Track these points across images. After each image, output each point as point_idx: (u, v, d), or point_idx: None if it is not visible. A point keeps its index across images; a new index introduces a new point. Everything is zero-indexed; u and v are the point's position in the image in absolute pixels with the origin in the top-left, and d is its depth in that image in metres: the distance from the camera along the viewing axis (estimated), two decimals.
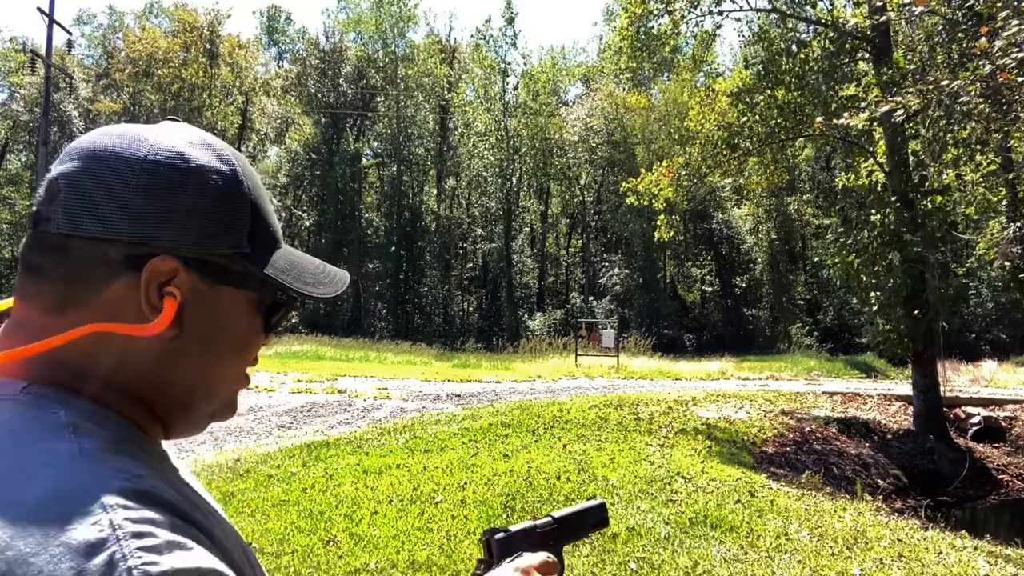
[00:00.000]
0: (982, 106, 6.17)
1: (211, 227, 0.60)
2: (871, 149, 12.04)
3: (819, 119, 8.76)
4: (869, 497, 7.46)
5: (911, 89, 6.57)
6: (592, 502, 0.95)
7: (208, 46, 37.56)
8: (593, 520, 0.94)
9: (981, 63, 5.44)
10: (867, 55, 11.38)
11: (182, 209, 0.58)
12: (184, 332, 0.59)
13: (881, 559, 4.35)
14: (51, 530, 0.45)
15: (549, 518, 0.90)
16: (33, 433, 0.52)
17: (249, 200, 0.63)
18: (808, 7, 12.03)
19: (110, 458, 0.52)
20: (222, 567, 0.50)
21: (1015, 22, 5.02)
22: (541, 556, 0.80)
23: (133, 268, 0.57)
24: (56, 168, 0.59)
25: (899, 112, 6.30)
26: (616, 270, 34.91)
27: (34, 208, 0.59)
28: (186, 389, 0.62)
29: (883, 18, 9.58)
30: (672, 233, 13.18)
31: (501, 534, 0.83)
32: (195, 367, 0.62)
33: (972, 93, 5.66)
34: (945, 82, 5.92)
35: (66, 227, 0.56)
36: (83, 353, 0.57)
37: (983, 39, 5.41)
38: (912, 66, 8.46)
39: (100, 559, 0.44)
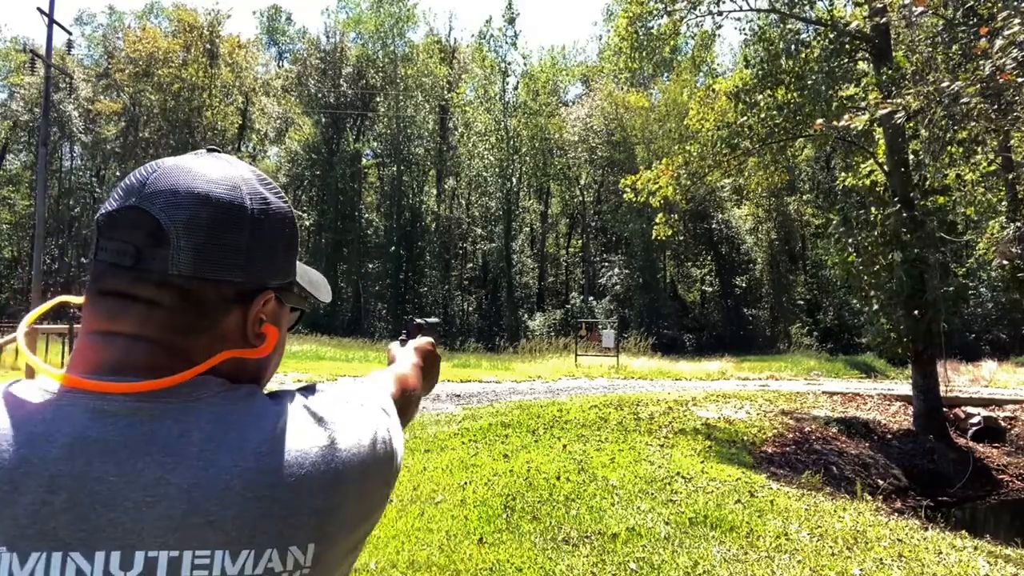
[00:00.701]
0: (982, 106, 6.16)
1: (288, 262, 0.74)
2: (871, 149, 12.03)
3: (819, 121, 8.75)
4: (869, 497, 7.46)
5: (911, 90, 6.57)
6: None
7: (208, 46, 37.56)
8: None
9: (981, 63, 5.44)
10: (867, 55, 11.38)
11: (276, 250, 0.71)
12: (280, 340, 0.75)
13: (881, 559, 4.34)
14: (376, 423, 0.73)
15: (436, 319, 1.39)
16: (264, 402, 0.68)
17: (298, 241, 0.77)
18: (808, 7, 12.03)
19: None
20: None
21: (1016, 22, 5.01)
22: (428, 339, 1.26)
23: (242, 302, 0.69)
24: (160, 211, 0.64)
25: (900, 114, 6.29)
26: (616, 270, 34.91)
27: (128, 242, 0.64)
28: (264, 382, 0.77)
29: (883, 20, 9.60)
30: (671, 232, 13.14)
31: (418, 320, 1.32)
32: (271, 369, 0.77)
33: (972, 94, 5.66)
34: (946, 83, 5.92)
35: (187, 270, 0.65)
36: (219, 367, 0.69)
37: (983, 40, 5.41)
38: (912, 67, 8.46)
39: (382, 419, 0.75)
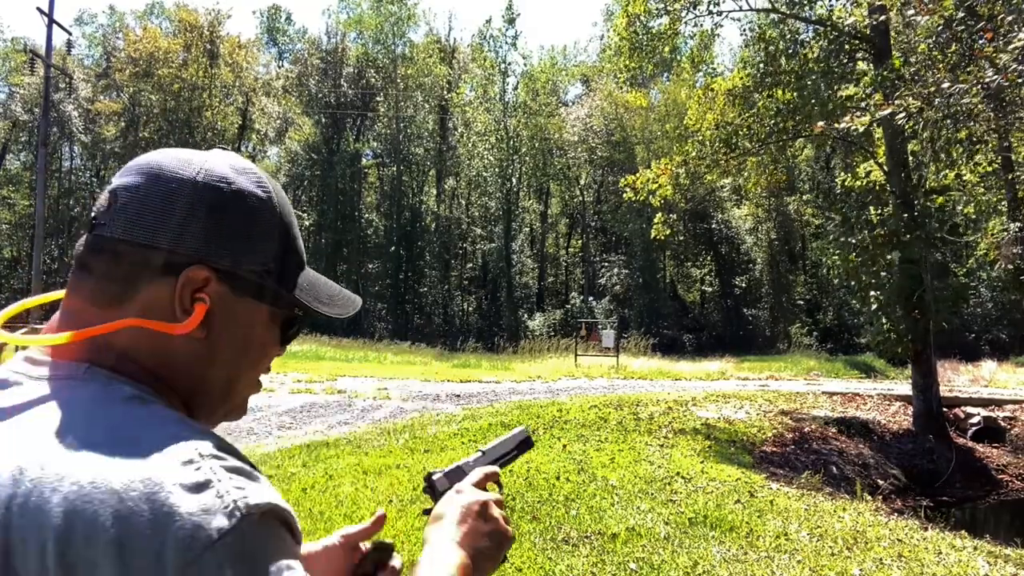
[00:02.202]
0: (981, 107, 6.17)
1: (245, 245, 0.68)
2: (871, 149, 12.03)
3: (820, 123, 8.75)
4: (869, 497, 7.46)
5: (911, 91, 6.58)
6: (515, 430, 1.04)
7: (208, 46, 37.57)
8: (518, 446, 1.03)
9: (983, 65, 5.44)
10: (867, 55, 11.38)
11: (222, 227, 0.67)
12: (211, 336, 0.67)
13: (881, 559, 4.35)
14: (162, 474, 0.53)
15: (479, 452, 1.02)
16: (113, 403, 0.60)
17: (280, 224, 0.72)
18: (808, 7, 12.03)
19: (187, 418, 0.62)
20: (290, 508, 0.60)
21: (1022, 35, 5.01)
22: (475, 478, 0.92)
23: (171, 274, 0.65)
24: (117, 180, 0.68)
25: (901, 115, 6.30)
26: (616, 270, 34.92)
27: (92, 214, 0.68)
28: (210, 388, 0.70)
29: (882, 18, 9.60)
30: (669, 232, 13.14)
31: (439, 473, 0.91)
32: (220, 368, 0.69)
33: (973, 95, 5.66)
34: (946, 84, 5.92)
35: (119, 233, 0.65)
36: (128, 344, 0.65)
37: (987, 45, 5.42)
38: (912, 68, 8.47)
39: (209, 493, 0.53)
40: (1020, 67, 5.00)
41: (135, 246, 0.64)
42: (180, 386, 0.67)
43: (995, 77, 5.16)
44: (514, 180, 37.59)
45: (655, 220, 13.03)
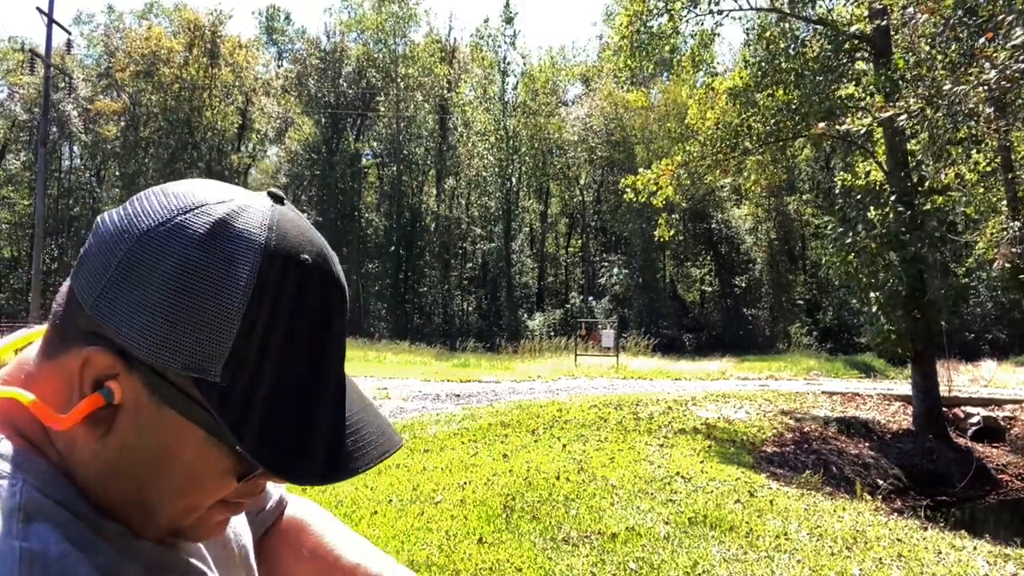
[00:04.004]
0: (982, 107, 6.18)
1: (170, 337, 0.49)
2: (871, 149, 12.04)
3: (821, 124, 8.75)
4: (869, 497, 7.46)
5: (912, 92, 6.58)
6: None
7: (209, 46, 37.59)
8: None
9: (984, 66, 5.45)
10: (867, 55, 11.39)
11: (146, 304, 0.49)
12: (111, 440, 0.51)
13: (881, 559, 4.35)
14: None
15: None
16: None
17: (246, 320, 0.49)
18: (808, 7, 12.03)
19: (67, 561, 0.47)
20: None
21: (1018, 31, 5.02)
22: None
23: (90, 345, 0.50)
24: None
25: (902, 117, 6.30)
26: (615, 270, 34.92)
27: None
28: (124, 502, 0.54)
29: (883, 22, 9.60)
30: (672, 232, 13.16)
31: None
32: (126, 482, 0.53)
33: (975, 97, 5.67)
34: (947, 85, 5.92)
35: (73, 276, 0.53)
36: (41, 421, 0.53)
37: (987, 45, 5.42)
38: (913, 70, 8.47)
39: None
40: (1018, 65, 5.01)
41: (74, 297, 0.52)
42: (79, 476, 0.53)
43: (995, 76, 5.16)
44: (514, 180, 37.59)
45: (659, 221, 13.05)
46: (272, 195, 0.56)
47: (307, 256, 0.53)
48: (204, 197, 0.53)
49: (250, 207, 0.53)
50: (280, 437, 0.51)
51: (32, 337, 0.60)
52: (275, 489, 0.82)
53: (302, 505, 0.84)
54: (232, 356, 0.49)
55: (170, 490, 0.53)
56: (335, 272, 0.55)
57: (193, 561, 0.62)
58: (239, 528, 0.74)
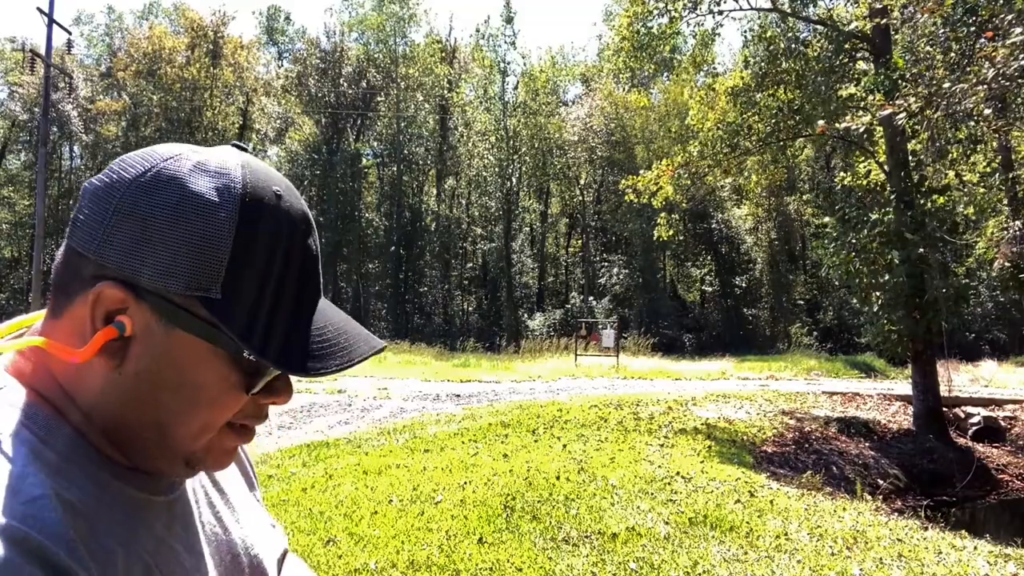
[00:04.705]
0: (982, 107, 6.17)
1: (172, 263, 0.55)
2: (871, 149, 12.03)
3: (821, 123, 8.76)
4: (869, 497, 7.46)
5: (912, 91, 6.58)
6: None
7: (211, 47, 37.62)
8: None
9: (985, 66, 5.45)
10: (867, 55, 11.39)
11: (149, 237, 0.55)
12: (127, 368, 0.56)
13: (881, 559, 4.34)
14: None
15: None
16: None
17: (237, 238, 0.56)
18: (809, 7, 12.04)
19: (24, 481, 0.51)
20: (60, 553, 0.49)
21: (1019, 30, 5.02)
22: None
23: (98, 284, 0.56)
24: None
25: (901, 115, 6.30)
26: (616, 270, 34.91)
27: None
28: (135, 430, 0.58)
29: (883, 21, 9.60)
30: (672, 232, 13.16)
31: None
32: (144, 410, 0.58)
33: (976, 97, 5.67)
34: (947, 84, 5.92)
35: (69, 237, 0.58)
36: (50, 366, 0.58)
37: (988, 44, 5.42)
38: (914, 69, 8.48)
39: None
40: (1017, 63, 5.01)
41: (74, 253, 0.57)
42: (96, 416, 0.58)
43: (993, 74, 5.16)
44: (514, 180, 37.59)
45: (659, 220, 13.05)
46: (235, 146, 0.63)
47: (278, 187, 0.60)
48: (179, 150, 0.59)
49: (221, 152, 0.61)
50: (280, 339, 0.58)
51: (27, 322, 0.65)
52: (281, 538, 0.86)
53: (298, 563, 0.91)
54: (229, 273, 0.56)
55: (185, 408, 0.58)
56: (301, 201, 0.63)
57: (176, 545, 0.62)
58: (253, 540, 0.74)
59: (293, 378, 0.64)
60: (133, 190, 0.56)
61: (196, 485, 0.71)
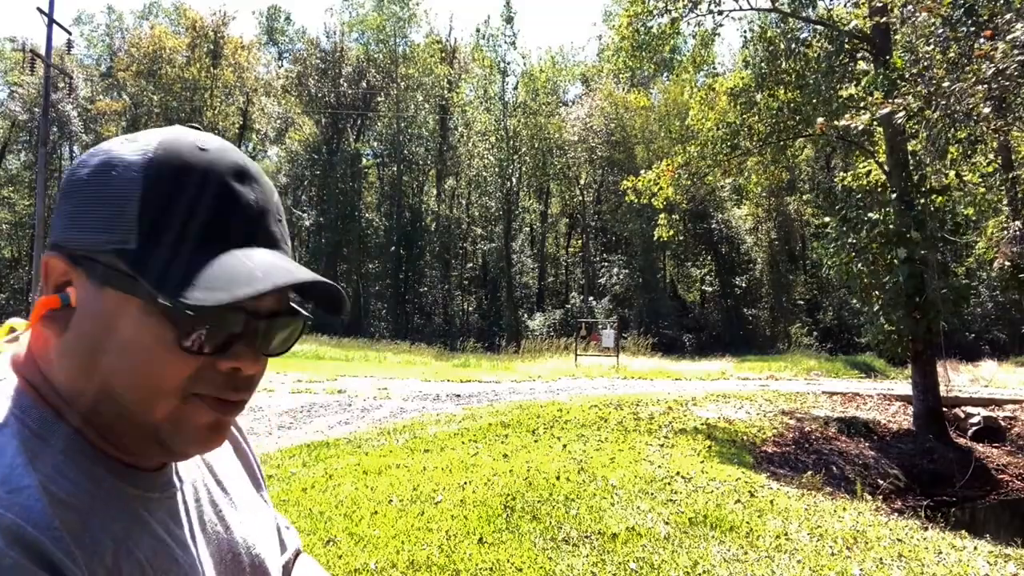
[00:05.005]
0: (982, 107, 6.17)
1: (93, 222, 0.57)
2: (871, 149, 12.03)
3: (820, 121, 8.77)
4: (869, 497, 7.46)
5: (911, 90, 6.58)
6: None
7: (212, 47, 37.63)
8: None
9: (984, 65, 5.45)
10: (867, 55, 11.39)
11: (82, 205, 0.58)
12: (70, 334, 0.58)
13: (881, 559, 4.35)
14: None
15: None
16: None
17: (146, 190, 0.57)
18: (808, 7, 12.03)
19: (12, 471, 0.53)
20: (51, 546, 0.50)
21: (1019, 26, 5.02)
22: None
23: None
24: None
25: (900, 114, 6.30)
26: (616, 270, 34.92)
27: None
28: (93, 399, 0.58)
29: (883, 20, 9.60)
30: (672, 232, 13.16)
31: None
32: (91, 376, 0.58)
33: (975, 96, 5.67)
34: (947, 84, 5.93)
35: None
36: (34, 353, 0.61)
37: (984, 42, 5.42)
38: (914, 69, 8.49)
39: None
40: (1016, 61, 5.01)
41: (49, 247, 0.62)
42: (64, 393, 0.59)
43: (992, 73, 5.17)
44: (514, 180, 37.59)
45: (659, 221, 13.05)
46: (191, 126, 0.65)
47: (205, 143, 0.61)
48: (124, 136, 0.63)
49: (180, 127, 0.64)
50: (180, 277, 0.55)
51: (11, 327, 0.67)
52: (295, 541, 0.89)
53: (311, 562, 0.92)
54: (142, 223, 0.57)
55: (126, 369, 0.57)
56: (236, 153, 0.63)
57: (171, 543, 0.62)
58: (255, 540, 0.74)
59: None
60: (70, 175, 0.61)
61: (199, 483, 0.71)
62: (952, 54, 6.76)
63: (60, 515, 0.52)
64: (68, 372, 0.59)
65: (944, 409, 12.01)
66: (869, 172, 12.13)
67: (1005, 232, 11.55)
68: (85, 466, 0.58)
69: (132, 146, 0.60)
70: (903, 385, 15.18)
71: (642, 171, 13.47)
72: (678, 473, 6.32)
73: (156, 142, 0.60)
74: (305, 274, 0.60)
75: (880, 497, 8.14)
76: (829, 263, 11.35)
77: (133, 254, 0.56)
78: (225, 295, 0.54)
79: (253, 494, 0.80)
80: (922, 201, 10.57)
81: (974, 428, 12.06)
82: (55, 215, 0.61)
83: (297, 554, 0.89)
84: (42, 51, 22.01)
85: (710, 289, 38.03)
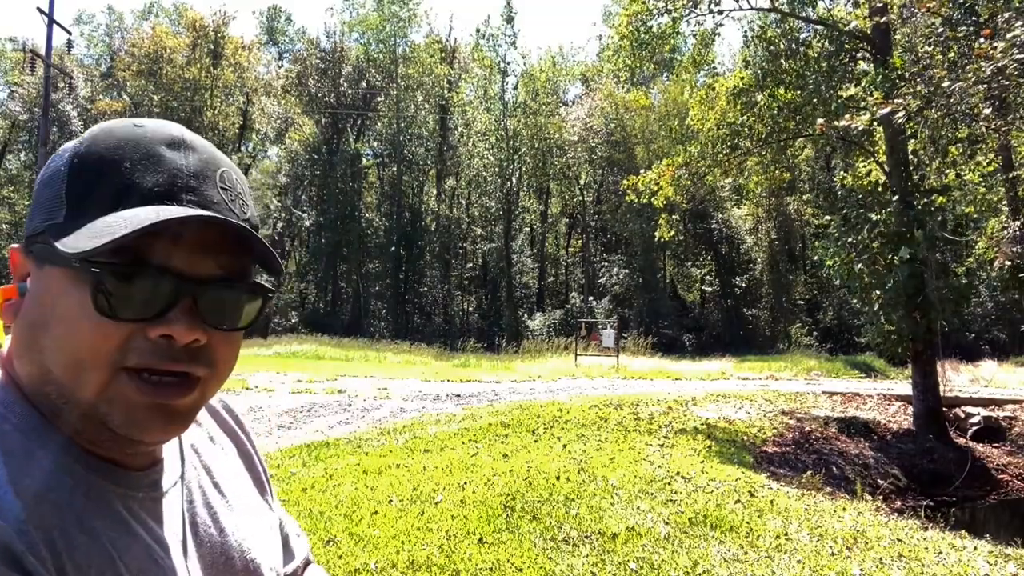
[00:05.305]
0: (981, 106, 6.17)
1: (37, 208, 0.61)
2: (871, 149, 12.03)
3: (821, 121, 8.76)
4: (869, 497, 7.46)
5: (911, 90, 6.58)
6: None
7: (212, 47, 37.61)
8: None
9: (983, 65, 5.45)
10: (867, 55, 11.39)
11: (32, 200, 0.63)
12: (20, 319, 0.60)
13: (881, 559, 4.34)
14: None
15: None
16: None
17: (74, 165, 0.60)
18: (808, 7, 12.03)
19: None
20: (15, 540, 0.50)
21: (1018, 24, 5.03)
22: None
23: None
24: None
25: (900, 114, 6.30)
26: (616, 270, 34.90)
27: None
28: (39, 380, 0.58)
29: (883, 20, 9.59)
30: (673, 233, 13.16)
31: None
32: (32, 356, 0.59)
33: (975, 96, 5.67)
34: (946, 84, 5.93)
35: None
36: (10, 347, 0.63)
37: (984, 41, 5.42)
38: (913, 68, 8.49)
39: None
40: (1015, 59, 5.01)
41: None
42: (26, 381, 0.60)
43: (991, 72, 5.17)
44: (514, 180, 37.58)
45: (660, 220, 13.04)
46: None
47: (143, 123, 0.64)
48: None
49: (149, 120, 0.67)
50: (85, 229, 0.56)
51: None
52: (304, 549, 0.89)
53: (320, 572, 0.93)
54: (68, 197, 0.59)
55: (55, 343, 0.57)
56: (167, 125, 0.65)
57: (151, 543, 0.61)
58: (251, 545, 0.73)
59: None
60: (49, 169, 0.63)
61: (193, 484, 0.70)
62: (952, 54, 6.76)
63: (33, 510, 0.52)
64: (20, 358, 0.60)
65: (944, 409, 12.01)
66: (869, 172, 12.12)
67: (1005, 232, 11.55)
68: (65, 462, 0.57)
69: (79, 139, 0.63)
70: (903, 385, 15.17)
71: (642, 171, 13.46)
72: (678, 473, 6.32)
73: (98, 127, 0.63)
74: (190, 212, 0.57)
75: (880, 497, 8.14)
76: (829, 263, 11.35)
77: (59, 227, 0.58)
78: (102, 240, 0.54)
79: (256, 497, 0.80)
80: (923, 201, 10.57)
81: (974, 428, 12.06)
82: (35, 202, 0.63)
83: (306, 563, 0.88)
84: (42, 51, 22.01)
85: (710, 289, 38.02)
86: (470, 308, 39.42)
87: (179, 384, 0.59)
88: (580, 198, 39.20)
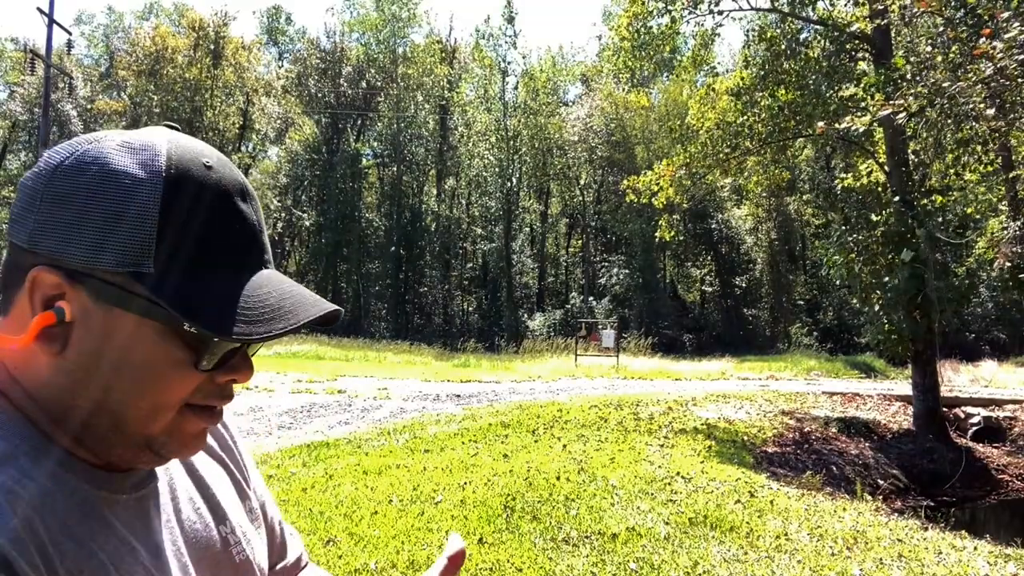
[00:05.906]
0: (982, 107, 6.17)
1: (101, 241, 0.55)
2: (871, 149, 12.03)
3: (821, 124, 8.76)
4: (869, 497, 7.46)
5: (911, 91, 6.58)
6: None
7: (213, 47, 37.62)
8: None
9: (983, 64, 5.44)
10: (867, 55, 11.38)
11: (73, 220, 0.55)
12: (69, 353, 0.57)
13: (881, 559, 4.34)
14: None
15: None
16: None
17: (164, 211, 0.56)
18: (808, 7, 12.02)
19: None
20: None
21: (1016, 24, 5.03)
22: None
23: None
24: None
25: (901, 115, 6.30)
26: (616, 270, 34.90)
27: None
28: (88, 417, 0.58)
29: (884, 21, 9.59)
30: (673, 233, 13.16)
31: None
32: (88, 393, 0.57)
33: (975, 96, 5.67)
34: (947, 84, 5.92)
35: (7, 234, 0.60)
36: (4, 360, 0.59)
37: (984, 41, 5.42)
38: (913, 68, 8.49)
39: None
40: (1015, 59, 5.01)
41: (14, 248, 0.58)
42: (47, 404, 0.58)
43: (991, 71, 5.17)
44: (514, 180, 37.57)
45: (661, 221, 13.04)
46: (167, 125, 0.64)
47: (208, 159, 0.60)
48: (104, 133, 0.60)
49: (148, 131, 0.61)
50: (214, 307, 0.56)
51: None
52: (298, 547, 0.88)
53: (318, 572, 0.92)
54: (159, 246, 0.55)
55: (131, 388, 0.57)
56: (234, 170, 0.62)
57: (137, 545, 0.61)
58: (239, 536, 0.73)
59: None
60: (58, 175, 0.57)
61: (176, 485, 0.70)
62: (953, 54, 6.76)
63: (23, 516, 0.53)
64: (62, 389, 0.58)
65: (944, 409, 12.01)
66: (870, 172, 12.12)
67: (1005, 232, 11.54)
68: (49, 466, 0.57)
69: (134, 157, 0.57)
70: (903, 385, 15.17)
71: (642, 171, 13.46)
72: (678, 473, 6.32)
73: (164, 156, 0.57)
74: (327, 305, 0.61)
75: (880, 497, 8.15)
76: (830, 263, 11.35)
77: (152, 278, 0.55)
78: (263, 328, 0.56)
79: (238, 487, 0.79)
80: (923, 201, 10.57)
81: (974, 428, 12.06)
82: (34, 218, 0.56)
83: (300, 562, 0.88)
84: (42, 51, 22.01)
85: (710, 289, 38.02)
86: (470, 308, 39.42)
87: (222, 413, 0.66)
88: (580, 198, 39.20)
